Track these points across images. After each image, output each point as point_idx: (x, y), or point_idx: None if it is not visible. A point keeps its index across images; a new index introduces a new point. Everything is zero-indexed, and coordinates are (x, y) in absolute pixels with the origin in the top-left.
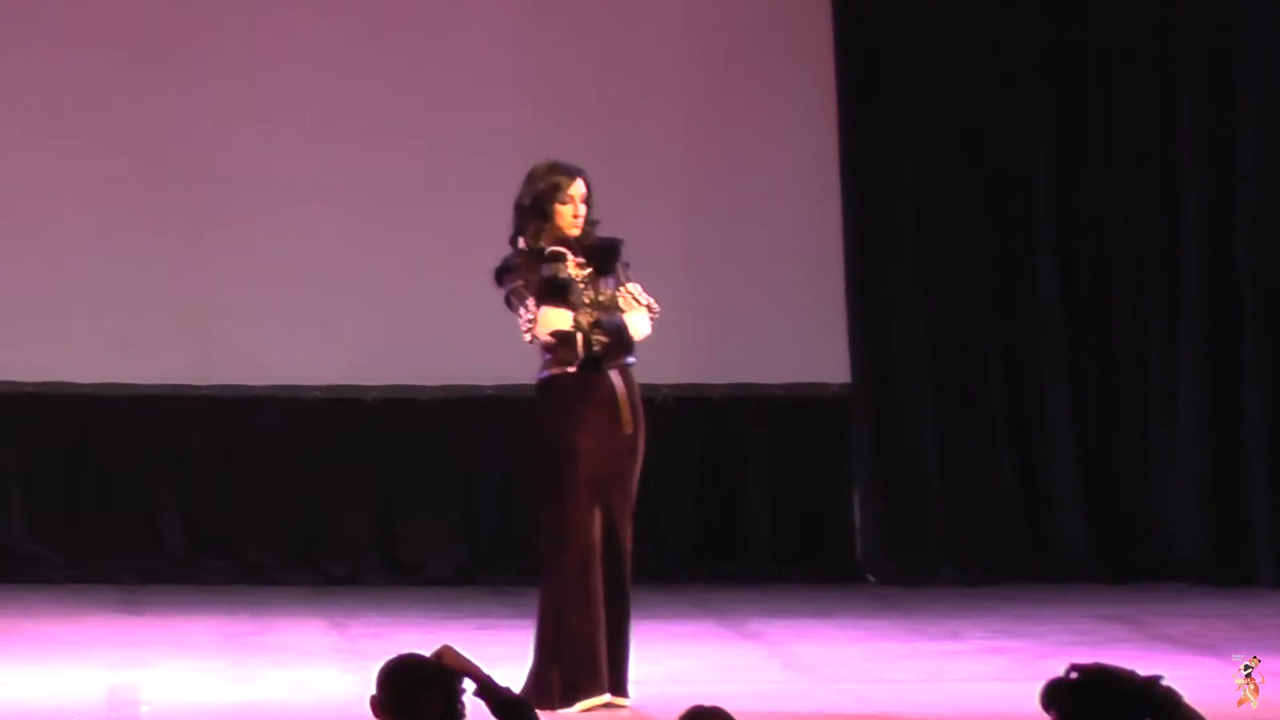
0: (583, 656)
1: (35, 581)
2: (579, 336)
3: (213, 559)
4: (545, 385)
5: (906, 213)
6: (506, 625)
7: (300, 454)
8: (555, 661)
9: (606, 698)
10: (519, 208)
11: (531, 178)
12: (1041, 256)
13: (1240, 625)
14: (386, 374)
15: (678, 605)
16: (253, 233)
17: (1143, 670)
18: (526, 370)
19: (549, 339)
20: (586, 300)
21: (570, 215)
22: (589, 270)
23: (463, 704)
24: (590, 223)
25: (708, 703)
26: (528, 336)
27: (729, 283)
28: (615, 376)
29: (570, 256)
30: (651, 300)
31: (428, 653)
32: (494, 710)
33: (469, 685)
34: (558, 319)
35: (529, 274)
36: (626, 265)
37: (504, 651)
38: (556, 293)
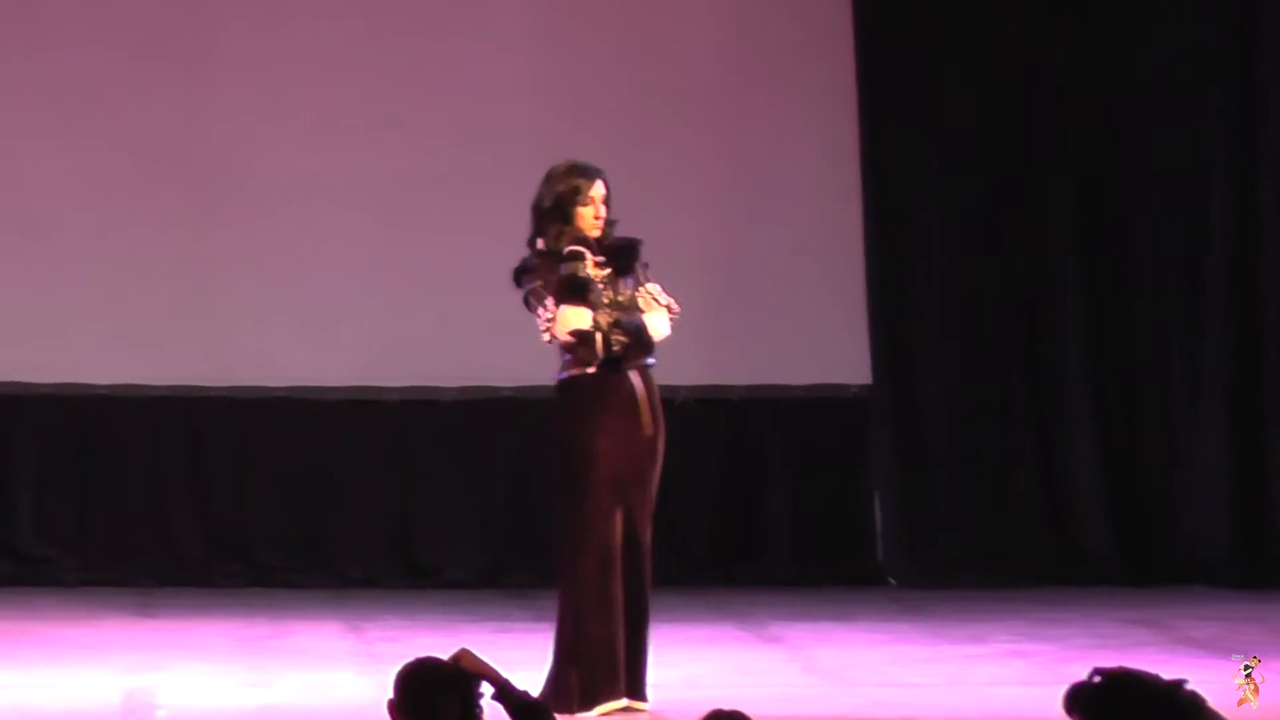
0: (601, 660)
1: (48, 584)
2: (598, 336)
3: (228, 562)
4: (564, 386)
5: (927, 213)
6: (525, 628)
7: (316, 456)
8: (574, 665)
9: (625, 702)
10: (538, 210)
11: (550, 179)
12: (1063, 255)
13: (1265, 628)
14: (404, 375)
15: (697, 608)
16: (269, 233)
17: (1166, 674)
18: (545, 371)
19: (568, 338)
20: (606, 300)
21: (591, 217)
22: (608, 270)
23: (480, 708)
24: (609, 223)
25: (727, 707)
26: (546, 336)
27: (749, 283)
28: (635, 377)
29: (589, 256)
30: (671, 301)
31: (445, 656)
32: (512, 714)
33: (487, 689)
34: (577, 318)
35: (547, 274)
36: (645, 265)
37: (522, 655)
38: (576, 291)
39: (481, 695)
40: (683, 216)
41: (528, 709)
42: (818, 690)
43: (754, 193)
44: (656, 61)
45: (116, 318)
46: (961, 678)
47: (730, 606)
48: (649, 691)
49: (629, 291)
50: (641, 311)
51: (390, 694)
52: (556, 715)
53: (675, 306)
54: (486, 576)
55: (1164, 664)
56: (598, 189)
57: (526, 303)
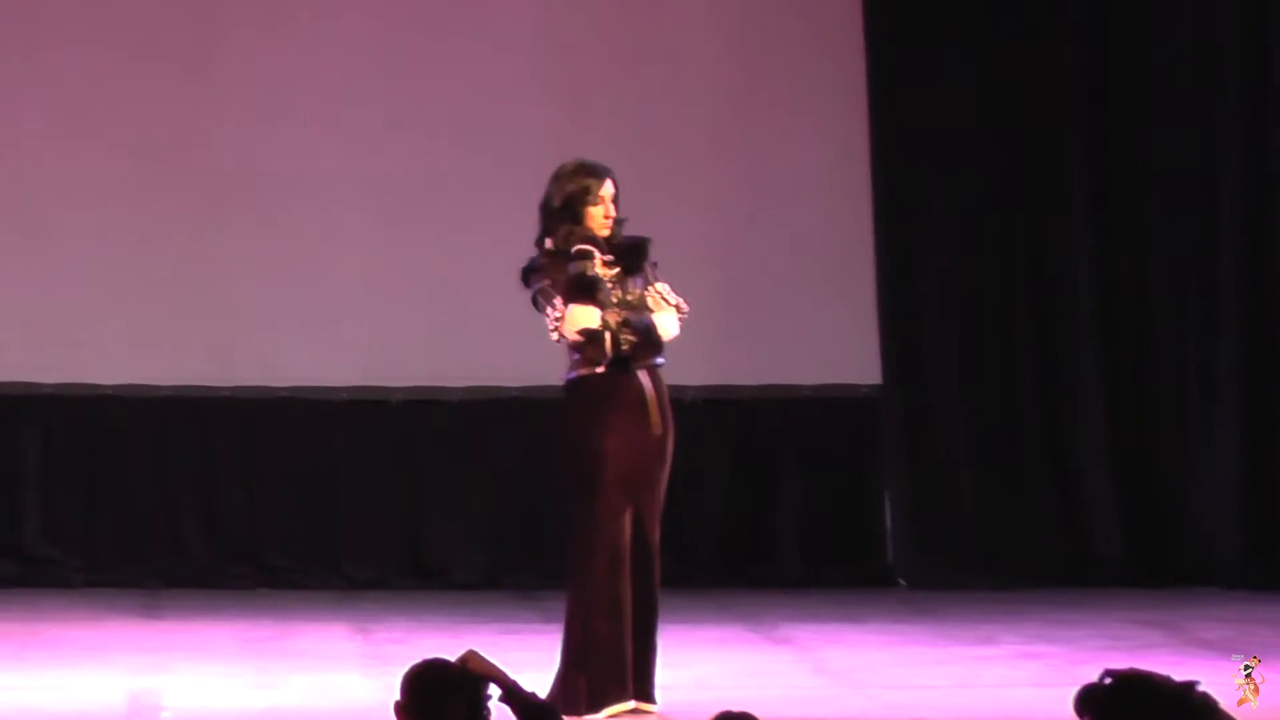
0: (609, 662)
1: (53, 585)
2: (607, 336)
3: (234, 563)
4: (573, 386)
5: (937, 213)
6: (532, 630)
7: (323, 456)
8: (582, 667)
9: (633, 704)
10: (547, 209)
11: (559, 178)
12: (1076, 257)
13: (1277, 630)
14: (411, 375)
15: (706, 609)
16: (276, 233)
17: (1178, 676)
18: (553, 371)
19: (576, 337)
20: (614, 300)
21: (601, 216)
22: (617, 270)
23: (488, 709)
24: (618, 222)
25: (736, 708)
26: (555, 335)
27: (758, 283)
28: (644, 377)
29: (598, 255)
30: (680, 300)
31: (452, 658)
32: (519, 716)
33: (494, 691)
34: (585, 317)
35: (556, 274)
36: (654, 264)
37: (530, 656)
38: (584, 290)
39: (489, 697)
40: (692, 217)
41: (535, 711)
42: (827, 692)
43: (764, 193)
44: (662, 61)
45: (121, 318)
46: (972, 679)
47: (739, 607)
48: (657, 693)
49: (638, 291)
50: (650, 311)
51: (397, 696)
52: (564, 717)
53: (684, 306)
54: (493, 577)
55: (1176, 666)
56: (607, 188)
57: (535, 302)
